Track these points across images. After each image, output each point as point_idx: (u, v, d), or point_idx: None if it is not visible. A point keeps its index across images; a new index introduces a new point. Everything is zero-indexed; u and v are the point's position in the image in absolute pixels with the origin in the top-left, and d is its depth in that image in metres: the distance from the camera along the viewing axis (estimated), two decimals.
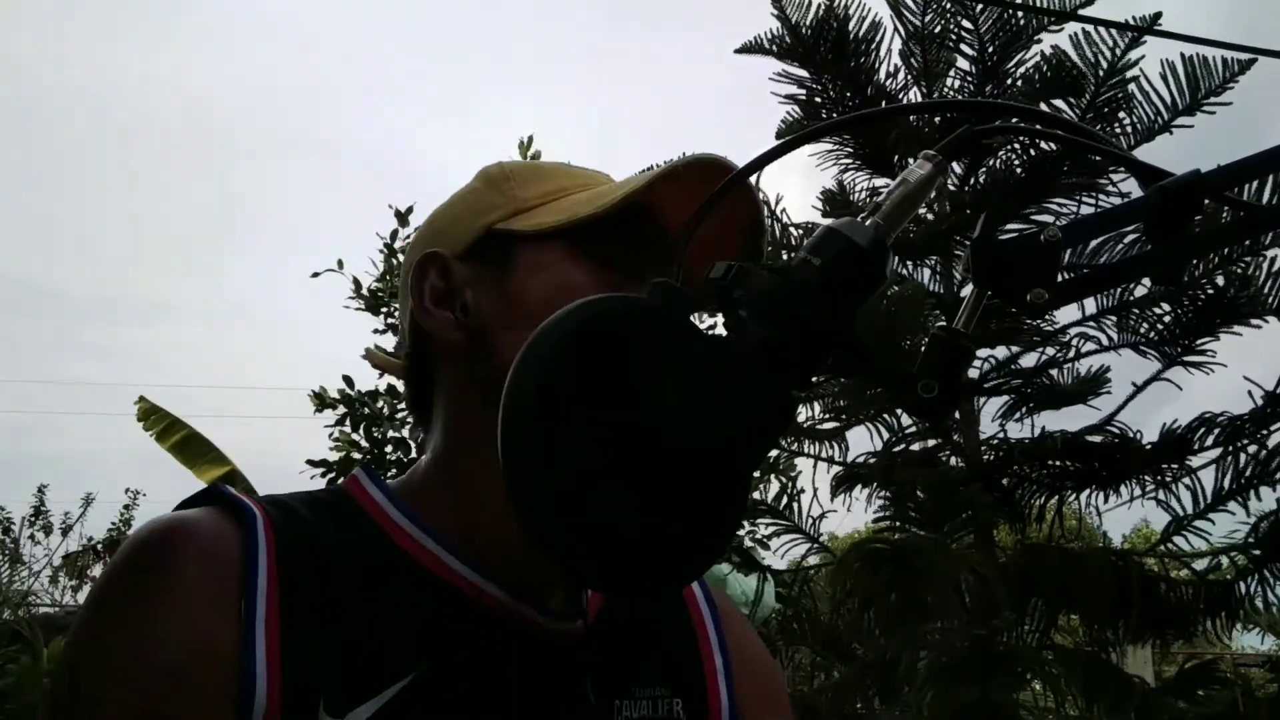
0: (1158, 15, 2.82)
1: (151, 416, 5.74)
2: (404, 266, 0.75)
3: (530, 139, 5.98)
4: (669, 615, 0.76)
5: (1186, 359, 2.89)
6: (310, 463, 5.50)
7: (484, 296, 0.69)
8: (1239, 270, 2.70)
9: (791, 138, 0.57)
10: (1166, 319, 2.86)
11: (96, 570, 8.57)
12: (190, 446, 5.70)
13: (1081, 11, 2.95)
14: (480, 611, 0.64)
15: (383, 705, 0.58)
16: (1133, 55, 2.87)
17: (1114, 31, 2.83)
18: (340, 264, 5.92)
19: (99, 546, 8.45)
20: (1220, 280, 2.74)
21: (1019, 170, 3.08)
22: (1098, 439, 2.88)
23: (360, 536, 0.65)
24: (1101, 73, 2.89)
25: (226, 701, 0.55)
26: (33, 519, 8.96)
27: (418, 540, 0.66)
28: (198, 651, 0.56)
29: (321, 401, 5.64)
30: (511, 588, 0.66)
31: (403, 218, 6.03)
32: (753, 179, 0.65)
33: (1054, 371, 3.04)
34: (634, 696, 0.69)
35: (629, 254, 0.68)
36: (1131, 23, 2.82)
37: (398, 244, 6.01)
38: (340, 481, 0.72)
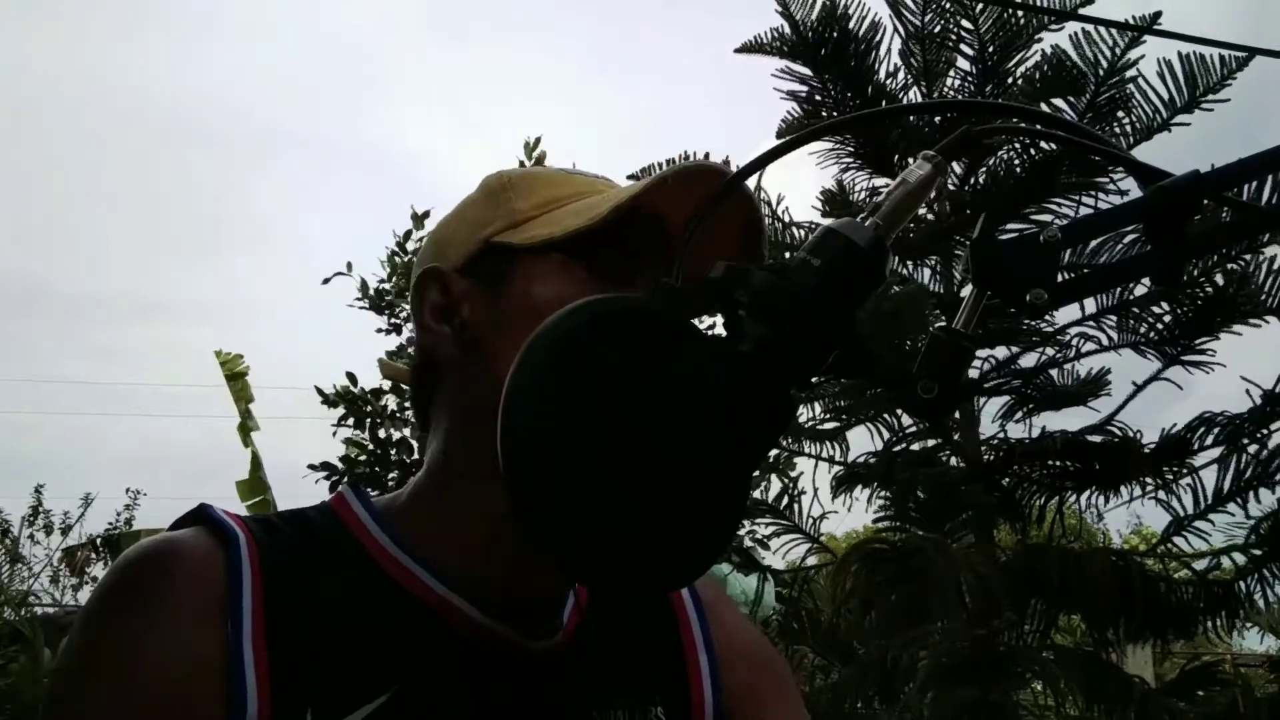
0: (1157, 14, 2.82)
1: (226, 361, 6.19)
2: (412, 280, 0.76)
3: (538, 140, 6.00)
4: (652, 616, 0.75)
5: (1186, 359, 2.88)
6: (312, 467, 5.53)
7: (481, 311, 0.69)
8: (1238, 269, 2.70)
9: (787, 140, 0.57)
10: (1166, 318, 2.86)
11: (97, 569, 8.55)
12: (238, 381, 6.11)
13: (1081, 11, 2.95)
14: (455, 632, 0.65)
15: None
16: (1132, 55, 2.87)
17: (1114, 31, 2.83)
18: (349, 267, 6.06)
19: (98, 542, 8.45)
20: (1219, 279, 2.74)
21: (1019, 170, 3.08)
22: (1098, 439, 2.88)
23: (342, 555, 0.67)
24: (1102, 72, 2.89)
25: (217, 714, 0.56)
26: (30, 519, 8.95)
27: (397, 559, 0.67)
28: (188, 666, 0.57)
29: (327, 398, 5.71)
30: (493, 606, 0.66)
31: (419, 220, 6.11)
32: (751, 180, 0.65)
33: (1054, 372, 3.03)
34: (614, 706, 0.69)
35: (623, 263, 0.68)
36: (1131, 22, 2.82)
37: (410, 245, 6.15)
38: (328, 499, 0.73)
